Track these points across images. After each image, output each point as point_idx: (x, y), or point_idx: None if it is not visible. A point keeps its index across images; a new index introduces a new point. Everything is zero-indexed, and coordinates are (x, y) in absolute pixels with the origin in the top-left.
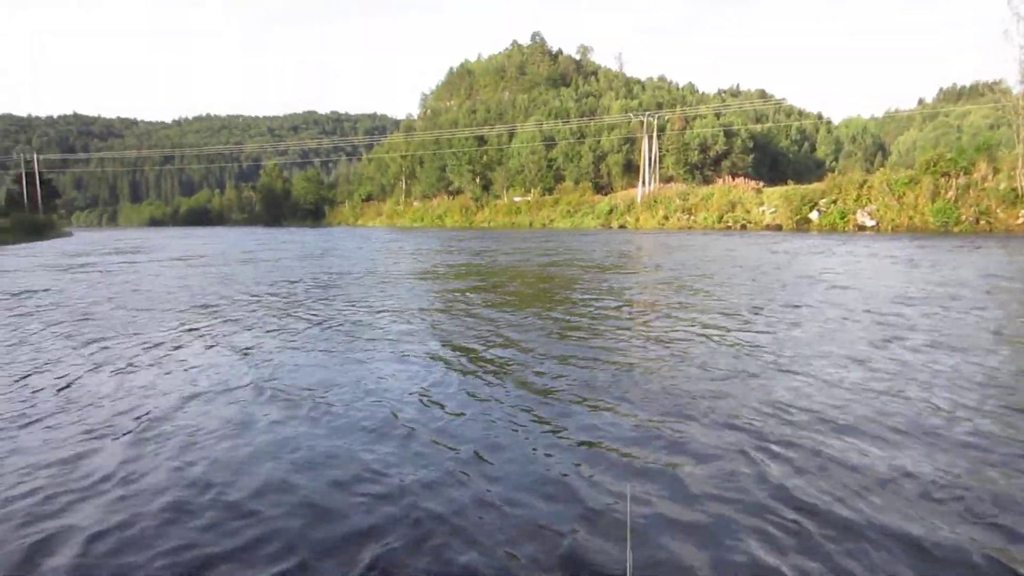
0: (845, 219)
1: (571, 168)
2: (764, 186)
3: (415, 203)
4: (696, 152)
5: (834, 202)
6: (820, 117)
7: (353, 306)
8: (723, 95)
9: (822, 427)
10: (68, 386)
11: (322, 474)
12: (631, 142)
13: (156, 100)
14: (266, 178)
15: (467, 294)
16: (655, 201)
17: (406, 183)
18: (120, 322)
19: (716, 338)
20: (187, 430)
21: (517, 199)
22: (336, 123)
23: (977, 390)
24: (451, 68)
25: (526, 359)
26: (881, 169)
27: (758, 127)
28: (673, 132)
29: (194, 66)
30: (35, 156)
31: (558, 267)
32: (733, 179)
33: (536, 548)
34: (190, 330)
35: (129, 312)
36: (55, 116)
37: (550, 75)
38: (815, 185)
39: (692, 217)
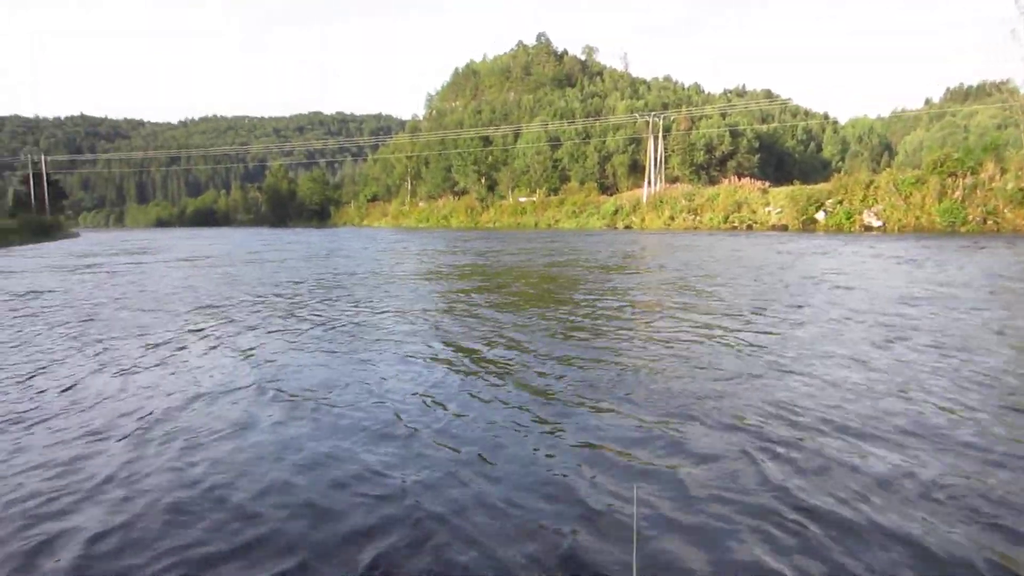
0: (851, 219)
1: (576, 168)
2: (770, 186)
3: (420, 204)
4: (702, 152)
5: (840, 202)
6: (826, 117)
7: (357, 307)
8: (729, 95)
9: (825, 428)
10: (72, 386)
11: (324, 475)
12: (636, 142)
13: (162, 101)
14: (272, 179)
15: (471, 295)
16: (661, 201)
17: (411, 184)
18: (125, 323)
19: (719, 338)
20: (190, 431)
21: (522, 199)
22: (341, 124)
23: (980, 391)
24: (456, 69)
25: (529, 360)
26: (888, 169)
27: (764, 127)
28: (679, 132)
29: (200, 67)
30: (42, 157)
31: (562, 267)
32: (739, 179)
33: (538, 549)
34: (194, 331)
35: (134, 313)
36: (62, 117)
37: (555, 75)
38: (821, 185)
39: (698, 217)
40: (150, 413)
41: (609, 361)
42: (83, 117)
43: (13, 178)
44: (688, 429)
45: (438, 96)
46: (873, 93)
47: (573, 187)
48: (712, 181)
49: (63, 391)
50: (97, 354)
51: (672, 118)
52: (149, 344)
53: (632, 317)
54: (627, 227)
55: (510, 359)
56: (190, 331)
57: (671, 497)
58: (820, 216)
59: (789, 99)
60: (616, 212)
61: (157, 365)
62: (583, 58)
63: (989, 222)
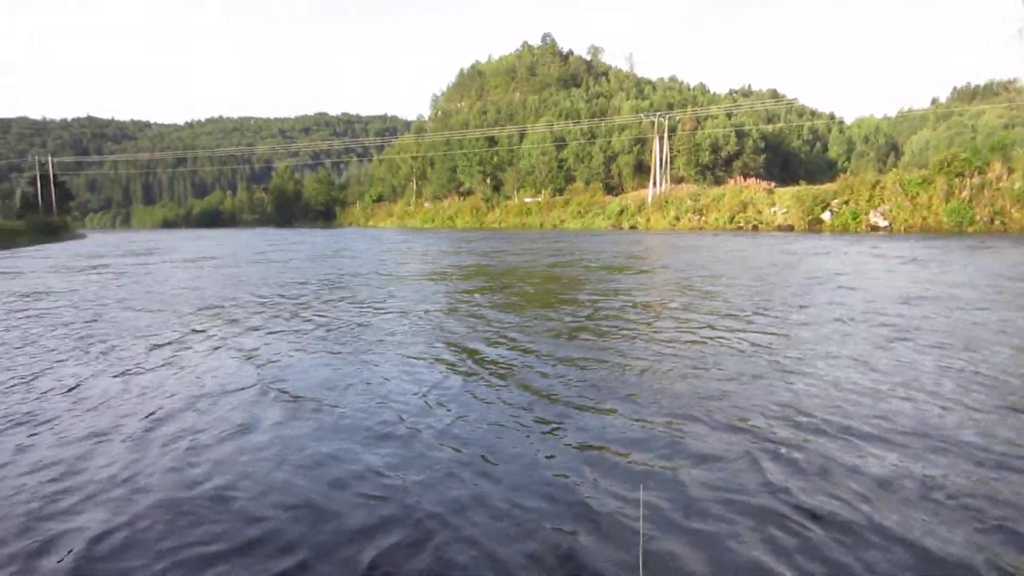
0: (858, 220)
1: (582, 169)
2: (776, 187)
3: (426, 204)
4: (707, 152)
5: (846, 202)
6: (832, 117)
7: (360, 307)
8: (734, 95)
9: (828, 429)
10: (76, 386)
11: (325, 475)
12: (642, 143)
13: (169, 103)
14: (278, 179)
15: (474, 295)
16: (666, 202)
17: (417, 184)
18: (130, 323)
19: (722, 339)
20: (192, 431)
21: (528, 200)
22: (347, 124)
23: (984, 392)
24: (462, 69)
25: (532, 360)
26: (894, 169)
27: (770, 127)
28: (684, 132)
29: (207, 68)
30: (49, 159)
31: (566, 268)
32: (744, 180)
33: (539, 549)
34: (198, 331)
35: (139, 313)
36: (69, 119)
37: (561, 76)
38: (827, 185)
39: (703, 218)
40: (153, 413)
41: (612, 362)
42: (90, 119)
43: (21, 180)
44: (691, 430)
45: (443, 97)
46: (879, 93)
47: (578, 187)
48: (718, 181)
49: (67, 391)
50: (101, 354)
51: (677, 118)
52: (153, 345)
53: (635, 317)
54: (632, 227)
55: (513, 360)
56: (194, 332)
57: (675, 499)
58: (826, 216)
59: (795, 99)
60: (621, 212)
61: (161, 366)
62: (588, 58)
63: (996, 222)
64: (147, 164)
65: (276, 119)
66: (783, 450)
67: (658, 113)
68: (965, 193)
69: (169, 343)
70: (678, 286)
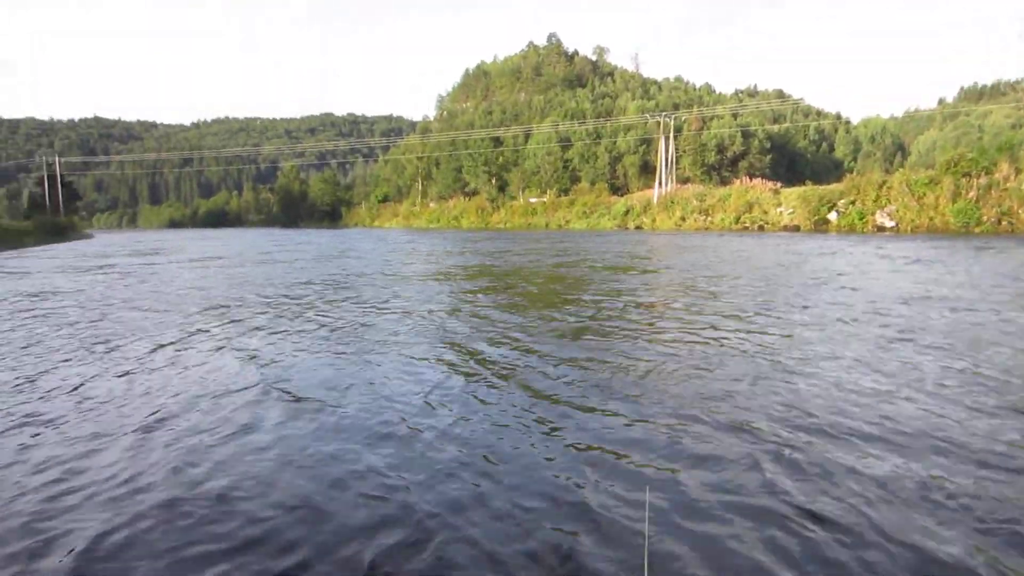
0: (864, 220)
1: (587, 169)
2: (782, 187)
3: (431, 204)
4: (713, 153)
5: (853, 203)
6: (839, 117)
7: (364, 308)
8: (740, 95)
9: (831, 431)
10: (80, 386)
11: (326, 475)
12: (647, 143)
13: (175, 103)
14: (283, 180)
15: (477, 295)
16: (672, 202)
17: (422, 184)
18: (135, 323)
19: (725, 340)
20: (194, 431)
21: (533, 200)
22: (353, 125)
23: (987, 394)
24: (467, 70)
25: (534, 361)
26: (901, 169)
27: (776, 127)
28: (690, 133)
29: (208, 69)
30: (57, 159)
31: (570, 268)
32: (750, 180)
33: (541, 550)
34: (203, 331)
35: (145, 313)
36: (76, 119)
37: (566, 76)
38: (834, 186)
39: (709, 218)
40: (155, 413)
41: (614, 362)
42: (96, 119)
43: (28, 180)
44: (694, 431)
45: (449, 97)
46: (886, 93)
47: (584, 188)
48: (723, 182)
49: (71, 391)
50: (106, 354)
51: (683, 118)
52: (157, 344)
53: (638, 318)
54: (638, 228)
55: (515, 360)
56: (199, 332)
57: (678, 500)
58: (832, 217)
59: (801, 99)
60: (627, 213)
61: (165, 365)
62: (594, 58)
63: (1004, 223)
64: (153, 164)
65: (282, 119)
66: (786, 451)
67: (664, 113)
68: (972, 193)
69: (173, 343)
70: (682, 286)
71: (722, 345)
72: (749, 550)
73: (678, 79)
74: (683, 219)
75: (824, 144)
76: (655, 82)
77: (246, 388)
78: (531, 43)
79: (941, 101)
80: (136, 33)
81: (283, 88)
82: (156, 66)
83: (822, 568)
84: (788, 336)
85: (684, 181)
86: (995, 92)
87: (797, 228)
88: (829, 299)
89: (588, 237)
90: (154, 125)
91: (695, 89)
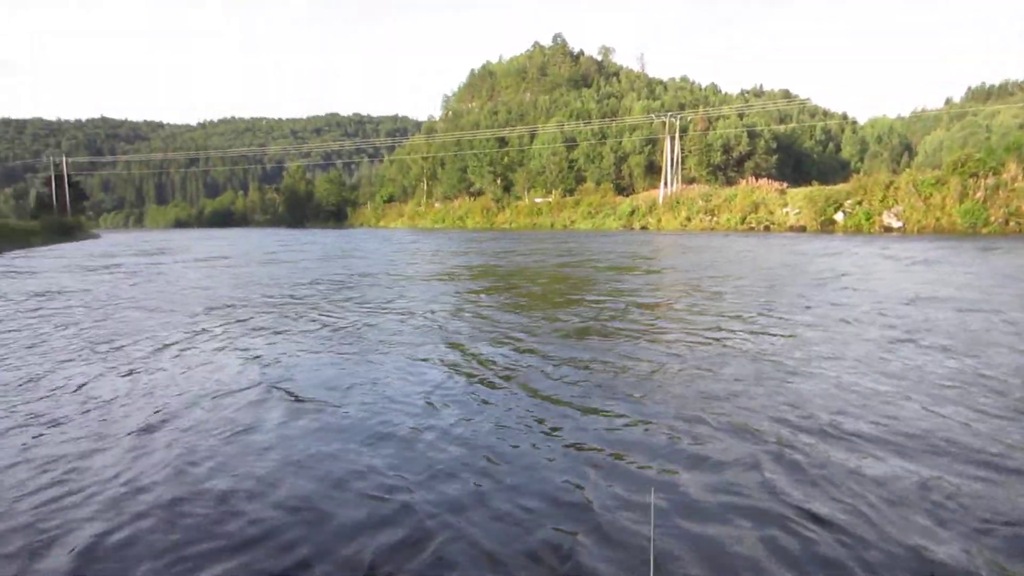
0: (871, 220)
1: (592, 169)
2: (788, 187)
3: (436, 204)
4: (719, 153)
5: (859, 203)
6: (845, 117)
7: (368, 308)
8: (746, 95)
9: (834, 432)
10: (84, 385)
11: (327, 475)
12: (653, 143)
13: (181, 103)
14: (289, 180)
15: (481, 296)
16: (677, 202)
17: (427, 184)
18: (140, 323)
19: (728, 341)
20: (196, 430)
21: (538, 200)
22: (358, 125)
23: (989, 395)
24: (472, 70)
25: (536, 362)
26: (908, 170)
27: (782, 128)
28: (696, 133)
29: (210, 69)
30: (64, 159)
31: (575, 268)
32: (756, 180)
33: (541, 550)
34: (207, 331)
35: (150, 313)
36: (83, 120)
37: (571, 76)
38: (840, 186)
39: (715, 218)
40: (157, 413)
41: (617, 363)
42: (103, 119)
43: (35, 180)
44: (697, 432)
45: (454, 97)
46: (893, 93)
47: (589, 188)
48: (729, 182)
49: (75, 390)
50: (110, 354)
51: (689, 118)
52: (162, 344)
53: (642, 318)
54: (643, 228)
55: (517, 360)
56: (203, 331)
57: (680, 501)
58: (839, 217)
59: (807, 99)
60: (632, 213)
61: (168, 365)
62: (599, 59)
63: (1011, 223)
64: (160, 164)
65: (287, 120)
66: (788, 453)
67: (669, 113)
68: (979, 194)
69: (177, 343)
70: (686, 287)
71: (725, 346)
72: (750, 551)
73: (684, 79)
74: (688, 219)
75: (831, 144)
76: (660, 82)
77: (248, 388)
78: (536, 43)
79: (948, 101)
80: (137, 33)
81: (284, 88)
82: (158, 66)
83: (824, 569)
84: (791, 337)
85: (690, 181)
86: (1003, 92)
87: (803, 228)
88: (833, 300)
89: (593, 237)
90: (160, 125)
91: (701, 89)
